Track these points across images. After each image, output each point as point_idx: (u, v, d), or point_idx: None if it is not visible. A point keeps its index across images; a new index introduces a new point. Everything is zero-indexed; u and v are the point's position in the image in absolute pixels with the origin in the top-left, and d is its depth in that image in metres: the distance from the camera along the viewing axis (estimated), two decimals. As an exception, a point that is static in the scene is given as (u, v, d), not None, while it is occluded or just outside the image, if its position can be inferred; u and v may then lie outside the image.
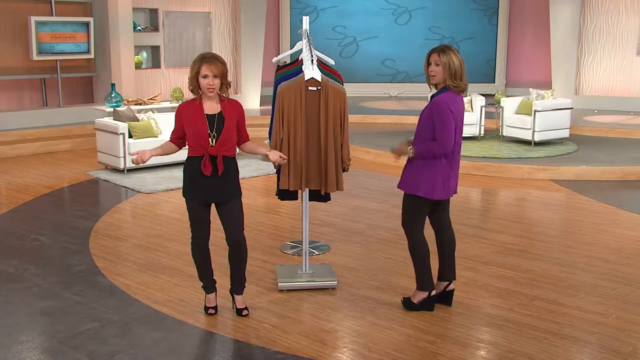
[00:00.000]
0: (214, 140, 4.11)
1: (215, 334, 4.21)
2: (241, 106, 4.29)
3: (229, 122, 4.15)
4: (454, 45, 4.28)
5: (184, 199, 4.29)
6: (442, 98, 4.21)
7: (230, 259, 4.41)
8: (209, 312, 4.45)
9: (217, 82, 4.05)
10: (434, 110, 4.20)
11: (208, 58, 4.04)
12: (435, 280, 4.60)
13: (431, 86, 4.36)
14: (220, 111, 4.15)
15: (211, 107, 4.14)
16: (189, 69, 4.15)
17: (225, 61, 4.17)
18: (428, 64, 4.29)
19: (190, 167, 4.19)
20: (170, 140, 4.27)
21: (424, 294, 4.50)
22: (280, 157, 4.31)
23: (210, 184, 4.17)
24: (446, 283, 4.60)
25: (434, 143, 4.20)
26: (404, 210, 4.46)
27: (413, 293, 4.56)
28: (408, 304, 4.52)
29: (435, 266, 4.62)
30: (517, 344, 4.06)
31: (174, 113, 4.31)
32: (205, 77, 4.03)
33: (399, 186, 4.44)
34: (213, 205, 4.30)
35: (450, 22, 16.53)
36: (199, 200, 4.24)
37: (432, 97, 4.33)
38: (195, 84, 4.08)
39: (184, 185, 4.28)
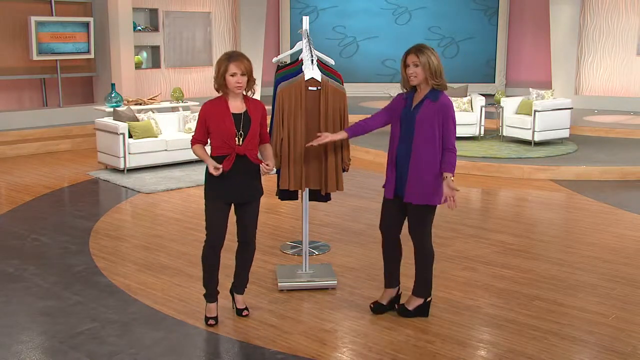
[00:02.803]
0: (240, 140, 4.11)
1: (215, 334, 4.21)
2: (264, 106, 4.28)
3: (255, 122, 4.15)
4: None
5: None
6: (447, 100, 4.16)
7: (238, 257, 4.40)
8: (209, 322, 4.31)
9: (244, 79, 4.06)
10: (444, 112, 4.12)
11: (235, 56, 4.05)
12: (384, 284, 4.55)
13: (405, 89, 4.30)
14: (246, 110, 4.15)
15: (237, 106, 4.13)
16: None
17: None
18: (405, 65, 4.22)
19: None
20: (199, 143, 4.18)
21: (420, 300, 4.42)
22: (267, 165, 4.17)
23: (238, 184, 4.15)
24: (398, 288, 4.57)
25: (449, 153, 4.12)
26: (415, 220, 4.29)
27: (407, 300, 4.47)
28: (403, 312, 4.43)
29: (404, 272, 4.56)
30: (517, 344, 4.06)
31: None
32: (233, 75, 4.02)
33: (408, 199, 4.22)
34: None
35: (450, 22, 16.50)
36: (225, 199, 4.18)
37: (424, 98, 4.22)
38: (222, 83, 4.06)
39: (208, 185, 4.20)
